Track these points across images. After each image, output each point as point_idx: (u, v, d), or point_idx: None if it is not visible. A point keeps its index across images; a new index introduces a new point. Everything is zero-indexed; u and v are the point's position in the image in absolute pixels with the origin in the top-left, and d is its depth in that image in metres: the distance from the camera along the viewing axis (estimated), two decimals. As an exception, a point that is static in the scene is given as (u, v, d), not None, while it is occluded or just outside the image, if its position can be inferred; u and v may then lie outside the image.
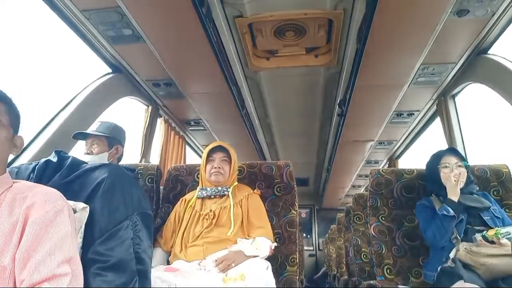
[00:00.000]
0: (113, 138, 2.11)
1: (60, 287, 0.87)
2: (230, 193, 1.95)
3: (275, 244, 1.88)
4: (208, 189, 1.98)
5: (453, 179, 1.88)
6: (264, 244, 1.78)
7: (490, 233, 1.68)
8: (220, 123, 4.20)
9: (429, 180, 2.10)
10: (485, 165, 2.25)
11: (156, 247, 1.91)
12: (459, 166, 1.95)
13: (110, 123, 2.14)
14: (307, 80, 3.51)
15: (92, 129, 2.10)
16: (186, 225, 1.88)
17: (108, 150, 2.08)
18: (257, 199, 2.01)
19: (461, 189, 1.92)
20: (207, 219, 1.86)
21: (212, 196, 1.96)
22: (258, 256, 1.71)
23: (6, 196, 1.00)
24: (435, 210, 1.93)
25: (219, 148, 2.05)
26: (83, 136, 2.10)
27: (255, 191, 2.05)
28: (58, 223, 0.95)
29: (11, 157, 1.09)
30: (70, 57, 3.08)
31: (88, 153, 2.04)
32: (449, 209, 1.81)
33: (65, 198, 1.04)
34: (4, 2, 2.27)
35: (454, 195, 1.86)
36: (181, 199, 2.06)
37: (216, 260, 1.65)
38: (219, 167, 1.99)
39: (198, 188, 2.03)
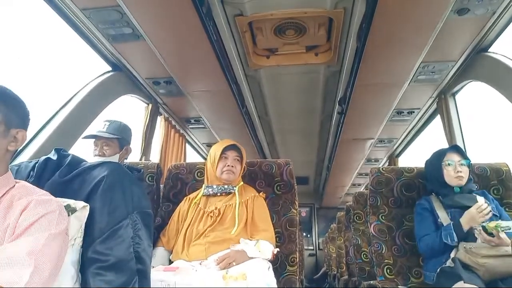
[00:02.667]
0: (123, 139, 2.09)
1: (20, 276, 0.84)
2: (236, 191, 1.95)
3: (278, 249, 1.88)
4: (215, 186, 1.98)
5: (486, 217, 1.76)
6: (267, 248, 1.78)
7: (491, 225, 1.66)
8: (221, 121, 4.21)
9: (429, 178, 2.09)
10: (485, 164, 2.25)
11: (159, 246, 1.90)
12: (462, 164, 1.95)
13: (119, 122, 2.11)
14: (307, 78, 3.51)
15: (100, 128, 2.06)
16: (190, 222, 1.88)
17: (119, 151, 2.06)
18: (263, 202, 2.02)
19: (461, 188, 1.93)
20: (211, 216, 1.86)
21: (218, 194, 1.97)
22: (260, 257, 1.71)
23: (5, 198, 1.00)
24: (433, 212, 1.94)
25: (233, 147, 2.05)
26: (93, 136, 2.07)
27: (260, 194, 2.05)
28: (41, 223, 0.94)
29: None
30: (71, 56, 3.08)
31: (100, 155, 2.00)
32: (454, 236, 1.77)
33: (61, 204, 1.03)
34: (4, 2, 2.27)
35: (468, 224, 1.78)
36: (185, 198, 2.06)
37: (218, 259, 1.65)
38: (232, 166, 1.99)
39: (203, 185, 2.03)
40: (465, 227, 1.78)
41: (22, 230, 0.92)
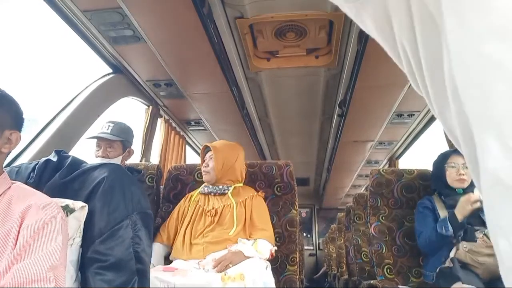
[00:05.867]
0: (127, 141, 2.09)
1: None
2: (229, 192, 1.96)
3: (275, 248, 1.88)
4: (210, 186, 2.00)
5: (473, 205, 1.76)
6: (265, 247, 1.78)
7: None
8: (221, 123, 4.21)
9: (433, 178, 2.10)
10: None
11: (157, 242, 1.91)
12: (466, 167, 1.95)
13: (123, 124, 2.09)
14: (307, 80, 3.51)
15: (103, 130, 2.05)
16: (190, 220, 1.89)
17: (122, 153, 2.06)
18: (262, 201, 2.02)
19: (465, 190, 1.93)
20: (209, 216, 1.88)
21: (212, 194, 1.99)
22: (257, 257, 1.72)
23: (2, 200, 1.00)
24: (434, 211, 1.95)
25: (206, 148, 2.10)
26: (97, 137, 2.06)
27: (259, 193, 2.06)
28: (49, 232, 0.95)
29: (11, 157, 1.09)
30: (71, 58, 3.09)
31: (103, 156, 1.99)
32: (449, 226, 1.78)
33: (60, 206, 1.04)
34: (4, 2, 2.28)
35: (461, 214, 1.79)
36: (186, 195, 2.09)
37: (215, 260, 1.65)
38: (205, 166, 2.02)
39: (203, 185, 2.06)
40: (459, 217, 1.78)
41: (29, 240, 0.92)
